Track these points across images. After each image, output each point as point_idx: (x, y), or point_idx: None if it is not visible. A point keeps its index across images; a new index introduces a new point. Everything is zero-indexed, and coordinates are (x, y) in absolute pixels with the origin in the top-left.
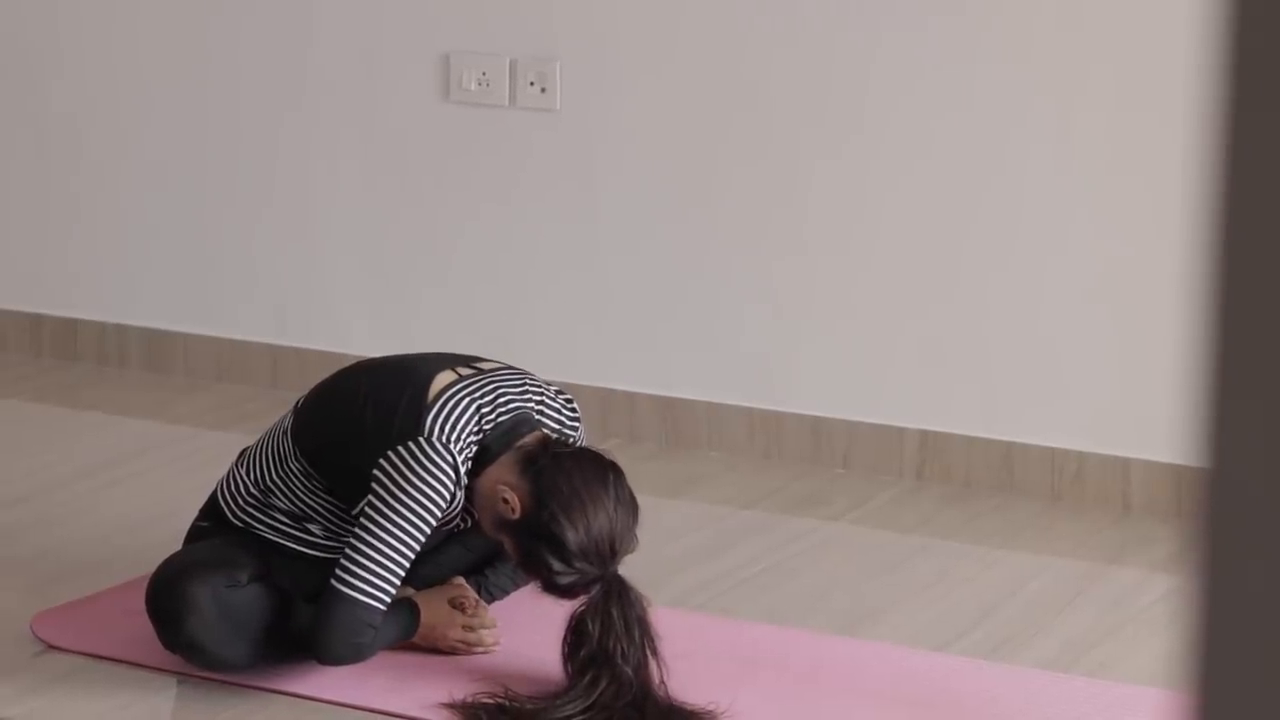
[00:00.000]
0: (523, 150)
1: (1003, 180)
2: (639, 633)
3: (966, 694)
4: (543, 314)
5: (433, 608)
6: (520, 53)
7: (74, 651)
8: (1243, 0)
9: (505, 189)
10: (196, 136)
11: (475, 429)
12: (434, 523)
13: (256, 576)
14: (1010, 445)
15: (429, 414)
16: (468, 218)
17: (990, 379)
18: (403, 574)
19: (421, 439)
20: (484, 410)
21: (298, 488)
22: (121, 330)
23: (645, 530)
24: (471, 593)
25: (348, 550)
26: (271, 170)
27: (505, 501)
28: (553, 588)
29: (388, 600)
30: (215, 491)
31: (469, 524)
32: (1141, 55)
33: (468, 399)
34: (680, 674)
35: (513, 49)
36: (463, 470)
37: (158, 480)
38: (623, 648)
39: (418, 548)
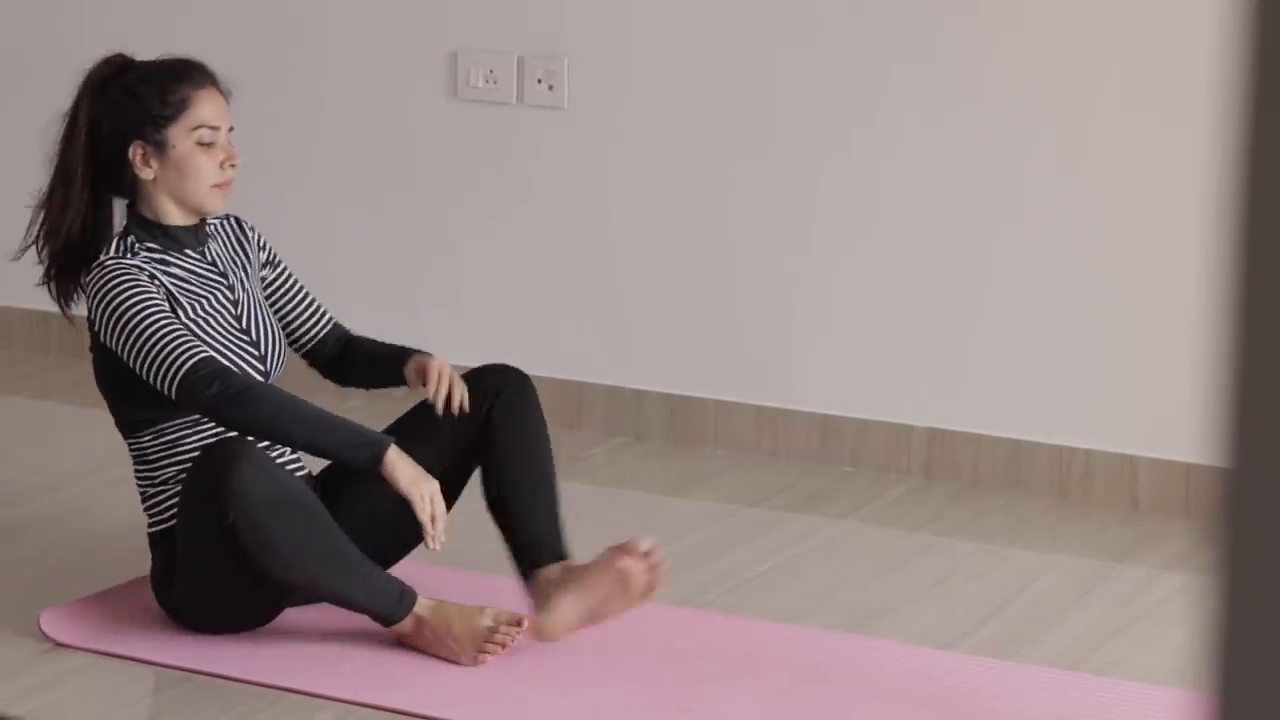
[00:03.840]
0: (530, 148)
1: (1011, 179)
2: None
3: (974, 691)
4: (550, 311)
5: (467, 620)
6: (528, 50)
7: (81, 649)
8: (1259, 4)
9: (513, 186)
10: None
11: (119, 239)
12: (152, 291)
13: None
14: (1018, 443)
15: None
16: (475, 215)
17: (998, 377)
18: (183, 331)
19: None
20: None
21: (169, 449)
22: None
23: (652, 528)
24: (513, 632)
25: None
26: (279, 167)
27: (140, 160)
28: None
29: (195, 350)
30: (150, 535)
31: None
32: (1154, 52)
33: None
34: (686, 673)
35: (520, 46)
36: (125, 251)
37: None
38: None
39: (168, 316)
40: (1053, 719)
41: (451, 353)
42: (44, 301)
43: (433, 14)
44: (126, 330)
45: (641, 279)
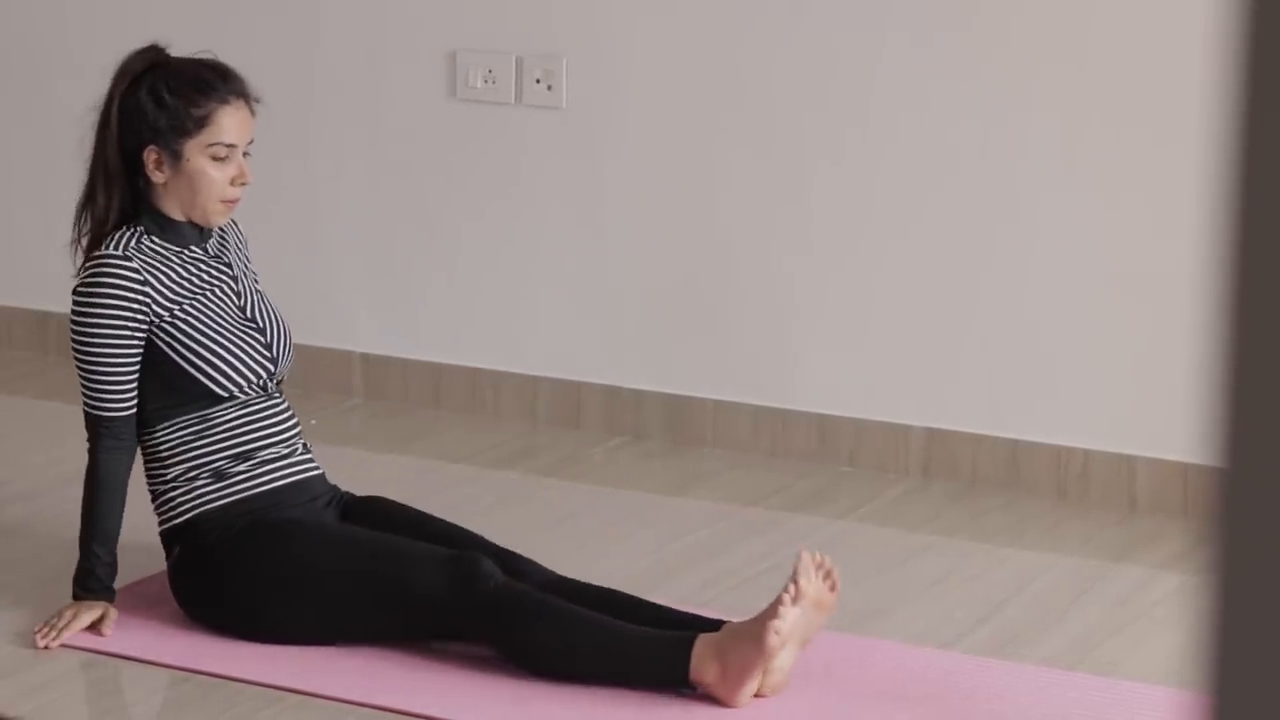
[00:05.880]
0: (529, 147)
1: (1009, 179)
2: None
3: (973, 691)
4: (548, 311)
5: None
6: (526, 50)
7: (81, 648)
8: (1255, 7)
9: (511, 186)
10: None
11: (121, 236)
12: (124, 322)
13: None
14: (1016, 443)
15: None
16: (474, 215)
17: (996, 377)
18: (116, 383)
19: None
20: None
21: (180, 445)
22: None
23: (651, 527)
24: None
25: None
26: (278, 167)
27: (154, 167)
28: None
29: (108, 407)
30: (161, 534)
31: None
32: (1150, 57)
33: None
34: None
35: (519, 46)
36: (131, 243)
37: None
38: None
39: (117, 354)
40: (1051, 719)
41: (450, 353)
42: (44, 301)
43: (431, 14)
44: (80, 351)
45: (639, 279)
